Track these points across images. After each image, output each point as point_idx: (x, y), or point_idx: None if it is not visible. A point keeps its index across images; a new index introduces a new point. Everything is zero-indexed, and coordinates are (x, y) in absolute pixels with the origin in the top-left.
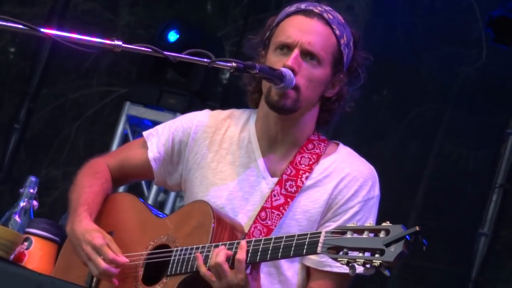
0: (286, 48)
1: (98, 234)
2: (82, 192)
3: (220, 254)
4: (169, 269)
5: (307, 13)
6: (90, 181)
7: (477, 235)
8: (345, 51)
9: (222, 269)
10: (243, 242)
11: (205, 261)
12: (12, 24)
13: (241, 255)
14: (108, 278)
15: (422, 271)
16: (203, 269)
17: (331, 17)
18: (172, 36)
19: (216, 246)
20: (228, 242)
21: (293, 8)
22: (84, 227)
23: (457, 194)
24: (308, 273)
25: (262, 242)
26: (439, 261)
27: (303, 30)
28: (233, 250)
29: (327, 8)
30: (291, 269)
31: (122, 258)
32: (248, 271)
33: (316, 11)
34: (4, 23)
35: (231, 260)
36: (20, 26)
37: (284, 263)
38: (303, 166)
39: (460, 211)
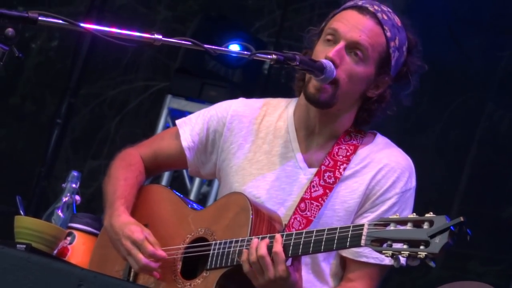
0: (333, 39)
1: (137, 228)
2: (117, 185)
3: (261, 247)
4: (209, 263)
5: (361, 9)
6: (125, 174)
7: None
8: (394, 54)
9: (265, 262)
10: (278, 236)
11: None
12: (53, 19)
13: (277, 247)
14: (148, 273)
15: (464, 258)
16: (247, 266)
17: (385, 17)
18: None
19: (256, 239)
20: (268, 235)
21: (351, 3)
22: (122, 221)
23: (500, 181)
24: (344, 263)
25: (304, 235)
26: (482, 248)
27: (352, 24)
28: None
29: (385, 9)
30: (326, 259)
31: (161, 252)
32: (289, 262)
33: (371, 9)
34: (45, 19)
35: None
36: (61, 22)
37: (320, 254)
38: (340, 157)
39: (504, 198)
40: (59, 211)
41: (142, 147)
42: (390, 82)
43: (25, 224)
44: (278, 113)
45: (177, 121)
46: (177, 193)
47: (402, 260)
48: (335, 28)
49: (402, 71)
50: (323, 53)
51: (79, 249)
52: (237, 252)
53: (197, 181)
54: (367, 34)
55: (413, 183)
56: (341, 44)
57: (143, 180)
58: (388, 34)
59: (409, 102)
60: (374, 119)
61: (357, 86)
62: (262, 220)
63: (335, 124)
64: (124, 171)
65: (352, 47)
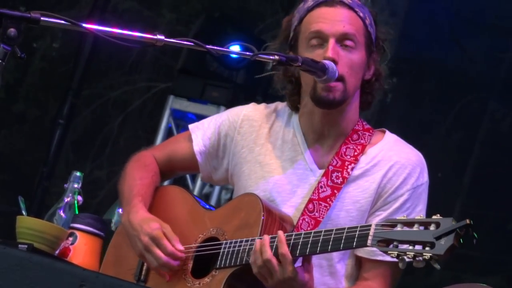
0: (319, 42)
1: (156, 224)
2: (133, 184)
3: (265, 250)
4: (218, 262)
5: (328, 3)
6: (140, 174)
7: None
8: (371, 30)
9: (272, 264)
10: (281, 236)
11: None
12: (55, 20)
13: (283, 249)
14: (166, 270)
15: (467, 259)
16: (255, 269)
17: (350, 1)
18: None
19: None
20: (270, 236)
21: (310, 2)
22: (141, 217)
23: (503, 182)
24: (359, 263)
25: (312, 235)
26: (485, 250)
27: (330, 19)
28: (275, 244)
29: None
30: (341, 261)
31: (180, 253)
32: (299, 263)
33: None
34: (47, 19)
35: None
36: (63, 22)
37: (335, 256)
38: (348, 157)
39: (506, 200)
40: (61, 211)
41: (156, 150)
42: (377, 58)
43: (27, 224)
44: (285, 118)
45: (190, 126)
46: (191, 193)
47: (409, 261)
48: (317, 30)
49: (378, 43)
50: (318, 57)
51: (80, 250)
52: (246, 251)
53: (199, 182)
54: (348, 22)
55: (425, 178)
56: (332, 41)
57: (158, 180)
58: (361, 14)
59: (387, 71)
60: (375, 98)
61: (359, 74)
62: (274, 221)
63: (343, 120)
64: (139, 171)
65: (342, 39)
